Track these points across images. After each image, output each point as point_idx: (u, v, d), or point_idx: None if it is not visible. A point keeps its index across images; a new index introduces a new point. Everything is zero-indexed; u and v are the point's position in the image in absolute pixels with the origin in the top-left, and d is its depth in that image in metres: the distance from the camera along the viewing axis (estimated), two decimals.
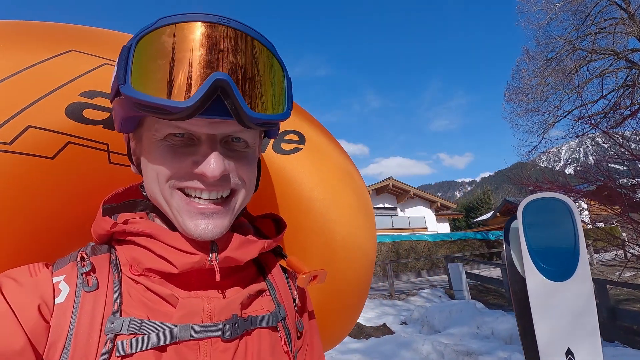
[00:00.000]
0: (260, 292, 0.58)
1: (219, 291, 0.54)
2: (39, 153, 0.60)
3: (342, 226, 0.92)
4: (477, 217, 42.38)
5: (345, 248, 0.93)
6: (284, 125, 0.89)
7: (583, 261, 0.96)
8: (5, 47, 0.62)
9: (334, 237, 0.91)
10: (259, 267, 0.63)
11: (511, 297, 1.08)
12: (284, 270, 0.68)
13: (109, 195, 0.59)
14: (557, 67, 12.52)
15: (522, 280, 1.06)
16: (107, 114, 0.67)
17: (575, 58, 12.34)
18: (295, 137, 0.91)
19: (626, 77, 11.99)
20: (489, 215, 37.51)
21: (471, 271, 11.93)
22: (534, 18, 12.74)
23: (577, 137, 12.67)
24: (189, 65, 0.43)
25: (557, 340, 0.96)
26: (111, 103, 0.52)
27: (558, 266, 1.00)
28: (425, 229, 26.22)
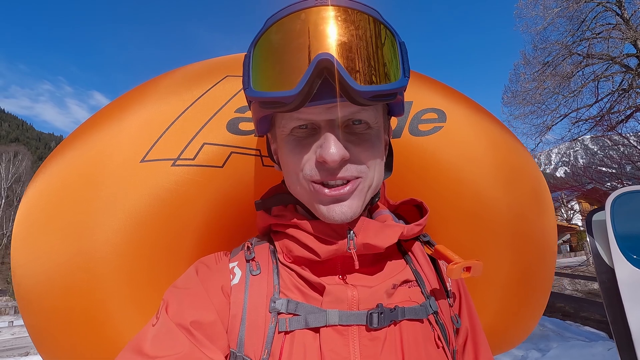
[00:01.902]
0: (406, 282, 0.56)
1: (363, 278, 0.54)
2: (213, 164, 0.74)
3: (503, 209, 0.82)
4: None
5: (518, 233, 0.83)
6: (419, 104, 0.83)
7: None
8: (182, 87, 0.78)
9: (501, 220, 0.82)
10: (406, 256, 0.61)
11: (599, 287, 1.12)
12: (434, 260, 0.64)
13: (265, 192, 0.65)
14: (554, 71, 12.76)
15: (610, 271, 1.09)
16: None
17: (572, 62, 12.60)
18: (434, 115, 0.83)
19: (621, 81, 12.28)
20: None
21: None
22: (531, 23, 12.99)
23: (574, 140, 12.93)
24: (294, 55, 0.44)
25: None
26: (250, 110, 0.56)
27: None
28: None
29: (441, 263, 0.63)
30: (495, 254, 0.83)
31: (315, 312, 0.49)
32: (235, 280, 0.54)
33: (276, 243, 0.58)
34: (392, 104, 0.53)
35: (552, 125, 13.27)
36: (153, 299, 0.68)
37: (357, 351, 0.48)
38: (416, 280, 0.57)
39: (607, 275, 1.10)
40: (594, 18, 12.19)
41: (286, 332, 0.49)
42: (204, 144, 0.73)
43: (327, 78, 0.43)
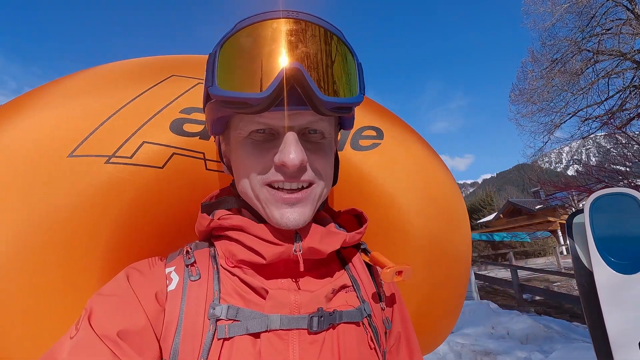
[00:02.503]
0: (344, 287, 0.59)
1: (304, 282, 0.56)
2: (152, 164, 0.70)
3: (428, 222, 0.89)
4: (480, 218, 42.36)
5: (434, 246, 0.89)
6: (360, 122, 0.88)
7: None
8: (123, 82, 0.74)
9: (420, 234, 0.88)
10: (343, 263, 0.64)
11: (578, 290, 1.11)
12: (369, 267, 0.68)
13: (206, 197, 0.65)
14: (563, 68, 12.54)
15: (589, 274, 1.08)
16: (202, 127, 0.75)
17: (581, 59, 12.36)
18: (373, 133, 0.89)
19: (632, 78, 12.01)
20: (492, 216, 37.46)
21: (479, 272, 11.94)
22: (539, 19, 12.79)
23: (583, 138, 12.70)
24: (265, 60, 0.46)
25: (630, 331, 0.99)
26: (204, 111, 0.57)
27: (628, 259, 1.02)
28: None
29: (376, 269, 0.67)
30: (414, 267, 0.89)
31: (256, 317, 0.50)
32: (172, 286, 0.52)
33: (217, 247, 0.58)
34: (345, 117, 0.58)
35: (561, 124, 13.04)
36: (66, 310, 0.62)
37: (296, 355, 0.49)
38: (353, 285, 0.60)
39: (586, 279, 1.09)
40: (604, 14, 11.93)
41: (225, 339, 0.48)
42: (144, 142, 0.69)
43: (294, 86, 0.45)
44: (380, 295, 0.63)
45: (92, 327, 0.46)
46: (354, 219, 0.69)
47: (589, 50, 12.26)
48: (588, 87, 12.34)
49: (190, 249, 0.58)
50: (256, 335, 0.49)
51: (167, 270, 0.55)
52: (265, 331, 0.49)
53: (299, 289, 0.54)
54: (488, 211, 45.40)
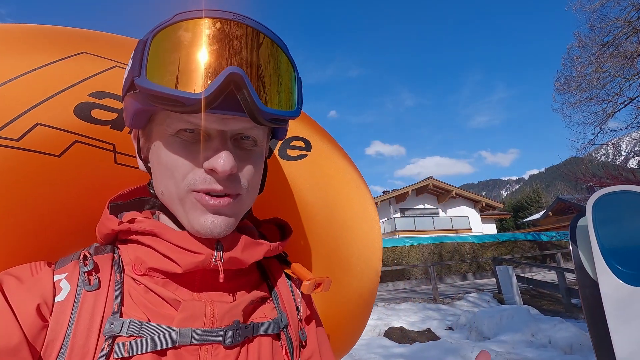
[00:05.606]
0: (263, 299, 0.57)
1: (222, 294, 0.53)
2: (46, 150, 0.60)
3: (347, 234, 0.92)
4: (527, 217, 39.82)
5: (350, 257, 0.93)
6: (290, 131, 0.86)
7: None
8: (18, 48, 0.61)
9: (339, 246, 0.91)
10: (263, 274, 0.63)
11: (581, 302, 0.99)
12: (288, 277, 0.66)
13: (114, 195, 0.58)
14: (615, 51, 11.42)
15: (593, 285, 0.96)
16: (115, 115, 0.65)
17: (637, 41, 11.18)
18: (302, 144, 0.88)
19: None
20: (539, 215, 35.11)
21: (522, 275, 11.21)
22: (586, 1, 11.75)
23: None
24: (204, 59, 0.43)
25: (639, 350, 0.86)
26: (122, 100, 0.52)
27: (636, 268, 0.89)
28: (469, 229, 25.09)
29: (295, 280, 0.66)
30: (330, 274, 0.89)
31: (164, 332, 0.45)
32: (61, 297, 0.45)
33: (123, 253, 0.53)
34: (279, 128, 0.57)
35: (615, 112, 11.88)
36: None
37: None
38: (272, 297, 0.59)
39: (590, 290, 0.97)
40: None
41: (123, 359, 0.43)
42: (38, 124, 0.58)
43: (233, 91, 0.44)
44: (297, 307, 0.62)
45: None
46: (276, 229, 0.67)
47: None
48: None
49: (90, 253, 0.51)
50: (162, 353, 0.45)
51: (56, 277, 0.48)
52: (173, 347, 0.45)
53: (216, 300, 0.51)
54: (535, 209, 42.59)
